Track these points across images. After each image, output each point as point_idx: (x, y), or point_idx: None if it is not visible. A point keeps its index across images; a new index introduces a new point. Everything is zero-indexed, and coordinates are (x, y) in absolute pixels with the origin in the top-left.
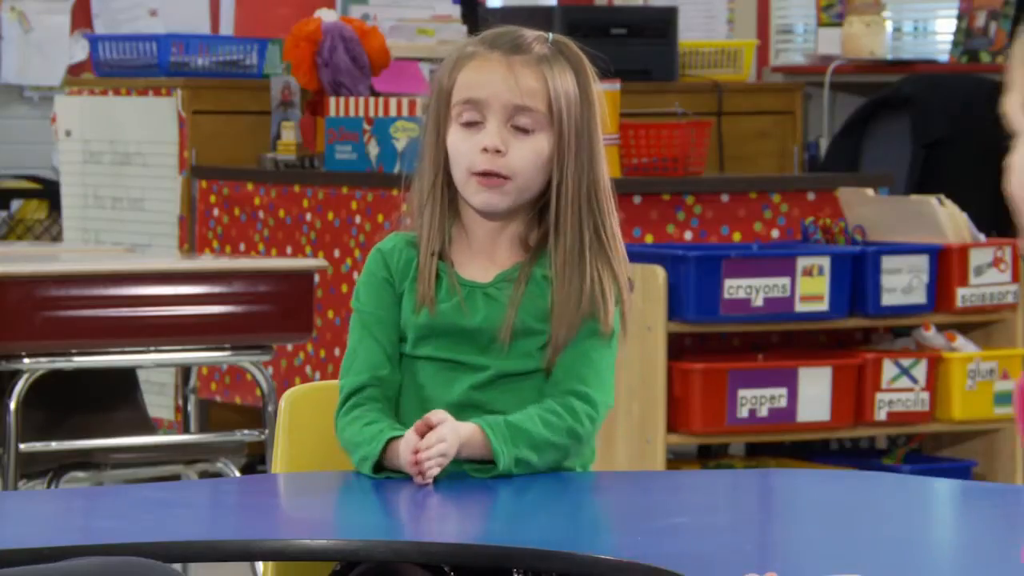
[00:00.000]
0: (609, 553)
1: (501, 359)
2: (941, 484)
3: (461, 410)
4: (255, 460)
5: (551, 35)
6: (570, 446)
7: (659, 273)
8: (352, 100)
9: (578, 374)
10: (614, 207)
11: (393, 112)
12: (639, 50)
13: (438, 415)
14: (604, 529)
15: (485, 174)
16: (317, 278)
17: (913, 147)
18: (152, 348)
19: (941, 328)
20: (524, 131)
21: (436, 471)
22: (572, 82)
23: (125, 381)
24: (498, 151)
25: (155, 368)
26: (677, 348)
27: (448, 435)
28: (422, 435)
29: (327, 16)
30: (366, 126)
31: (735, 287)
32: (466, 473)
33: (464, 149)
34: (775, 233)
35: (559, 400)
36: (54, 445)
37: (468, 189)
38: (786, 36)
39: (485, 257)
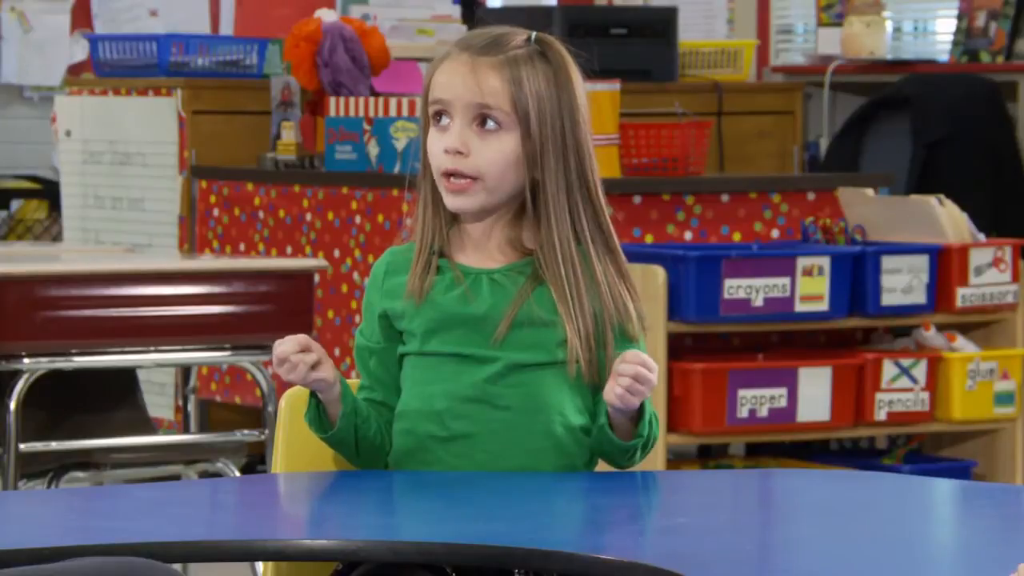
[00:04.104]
0: (609, 553)
1: (510, 351)
2: (941, 484)
3: (468, 403)
4: (255, 460)
5: (534, 34)
6: (640, 458)
7: (659, 273)
8: (352, 100)
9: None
10: (605, 206)
11: (393, 112)
12: (639, 50)
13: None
14: (604, 529)
15: (449, 175)
16: (317, 278)
17: (913, 147)
18: (152, 348)
19: (941, 328)
20: (489, 131)
21: (636, 394)
22: (545, 81)
23: (125, 381)
24: (459, 152)
25: (155, 368)
26: (677, 348)
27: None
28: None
29: (327, 16)
30: (366, 126)
31: (735, 287)
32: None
33: (434, 150)
34: (775, 233)
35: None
36: (54, 445)
37: (442, 190)
38: (786, 36)
39: (484, 253)
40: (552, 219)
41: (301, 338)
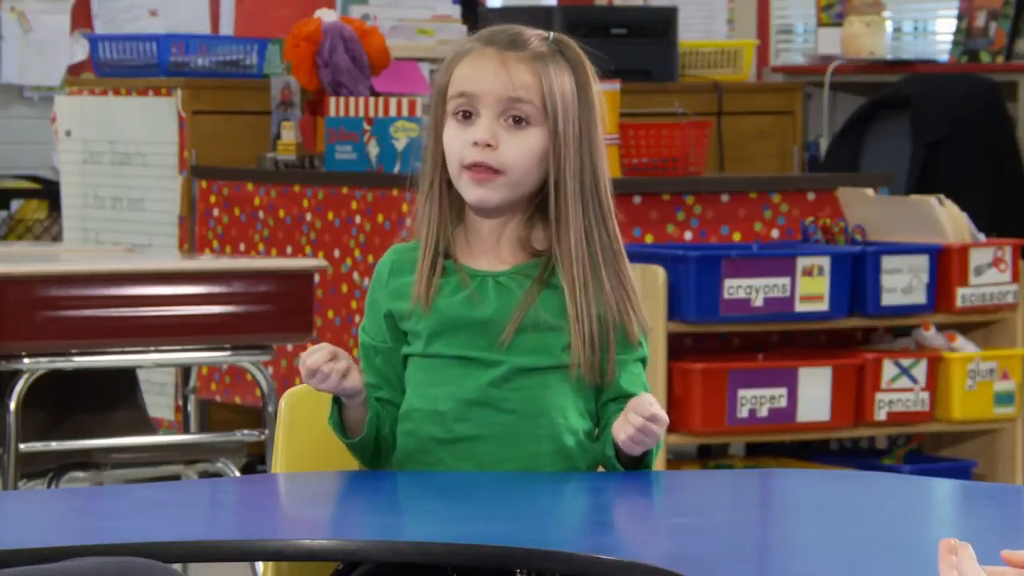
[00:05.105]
0: (609, 553)
1: (514, 355)
2: (941, 484)
3: (473, 407)
4: (255, 460)
5: (551, 34)
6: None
7: (659, 273)
8: (352, 100)
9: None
10: (613, 208)
11: (393, 112)
12: (639, 50)
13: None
14: (604, 529)
15: (475, 166)
16: (317, 278)
17: (913, 147)
18: (152, 348)
19: (941, 328)
20: (518, 125)
21: (640, 443)
22: (569, 80)
23: (125, 381)
24: (488, 145)
25: (155, 368)
26: (677, 348)
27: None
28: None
29: (327, 16)
30: (366, 126)
31: (735, 287)
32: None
33: (456, 143)
34: (775, 233)
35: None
36: (54, 445)
37: (461, 184)
38: (786, 36)
39: (491, 254)
40: (570, 219)
41: (329, 347)
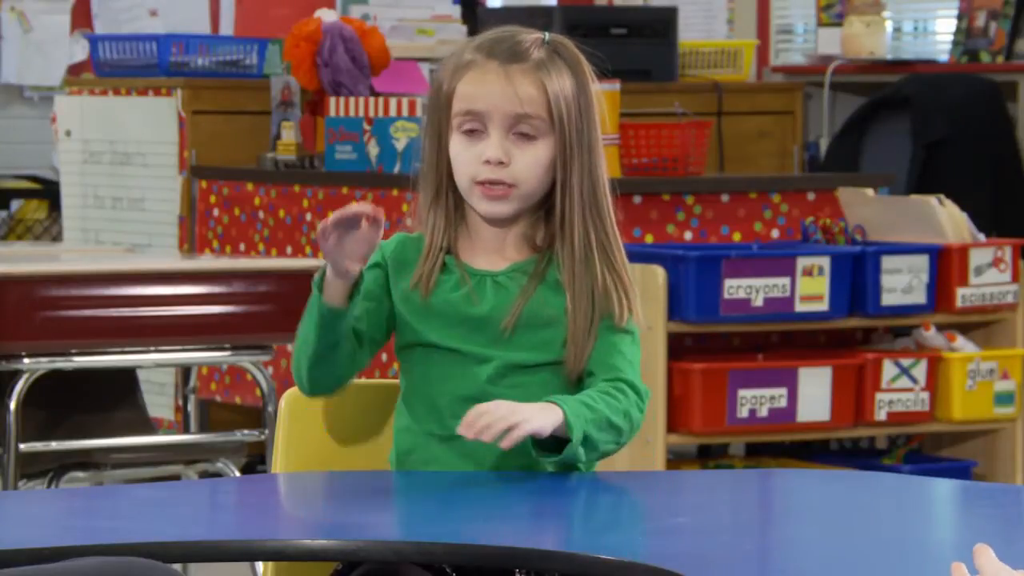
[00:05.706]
0: (609, 553)
1: (509, 350)
2: (941, 484)
3: (470, 404)
4: (255, 460)
5: (548, 35)
6: (624, 431)
7: (659, 273)
8: (352, 100)
9: (615, 366)
10: (612, 205)
11: (393, 112)
12: (639, 50)
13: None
14: (604, 529)
15: (488, 183)
16: None
17: (913, 147)
18: (152, 348)
19: (941, 328)
20: (527, 138)
21: (506, 435)
22: (570, 83)
23: (125, 381)
24: (501, 162)
25: (155, 368)
26: (677, 348)
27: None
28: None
29: (327, 16)
30: (366, 126)
31: (735, 287)
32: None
33: (466, 158)
34: (775, 233)
35: (611, 384)
36: (54, 445)
37: (472, 197)
38: (786, 36)
39: (493, 253)
40: (575, 218)
41: (369, 211)
